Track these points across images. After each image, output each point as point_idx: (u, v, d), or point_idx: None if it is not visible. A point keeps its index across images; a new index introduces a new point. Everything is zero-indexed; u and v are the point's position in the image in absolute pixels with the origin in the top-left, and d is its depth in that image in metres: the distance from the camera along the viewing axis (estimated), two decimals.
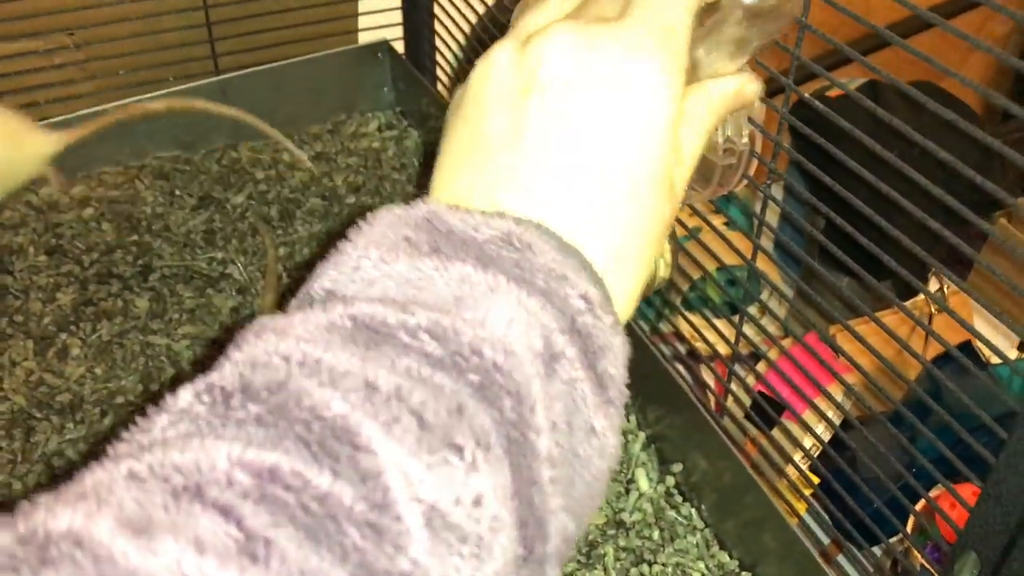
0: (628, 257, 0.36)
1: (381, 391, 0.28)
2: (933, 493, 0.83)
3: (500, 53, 0.38)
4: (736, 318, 1.03)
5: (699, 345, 1.13)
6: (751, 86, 0.45)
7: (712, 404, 0.92)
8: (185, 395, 0.29)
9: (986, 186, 0.51)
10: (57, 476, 0.77)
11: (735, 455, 0.72)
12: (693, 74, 0.45)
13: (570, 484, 0.32)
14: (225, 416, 0.28)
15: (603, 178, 0.35)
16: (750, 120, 0.66)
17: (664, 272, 0.70)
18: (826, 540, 0.83)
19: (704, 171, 0.68)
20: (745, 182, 0.69)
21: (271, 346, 0.30)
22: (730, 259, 0.86)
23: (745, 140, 0.66)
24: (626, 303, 0.37)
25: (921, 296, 1.34)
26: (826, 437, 0.85)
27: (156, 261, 0.98)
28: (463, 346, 0.30)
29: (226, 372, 0.29)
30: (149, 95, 1.08)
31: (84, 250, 0.99)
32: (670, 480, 0.79)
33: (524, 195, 0.35)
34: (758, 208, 1.05)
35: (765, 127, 0.65)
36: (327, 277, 0.33)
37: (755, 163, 0.68)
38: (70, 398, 0.84)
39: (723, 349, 1.09)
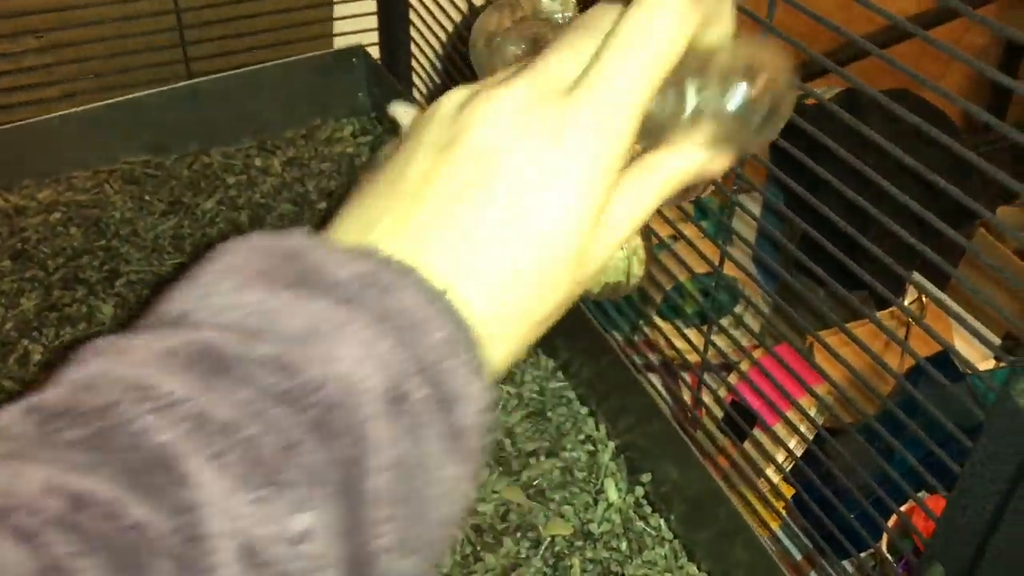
0: (509, 317, 0.35)
1: (213, 422, 0.27)
2: (908, 506, 0.83)
3: (447, 102, 0.37)
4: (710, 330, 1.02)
5: (672, 355, 1.13)
6: (716, 165, 0.41)
7: (685, 415, 0.91)
8: (10, 413, 0.28)
9: (962, 199, 0.51)
10: None
11: (704, 466, 0.71)
12: (658, 137, 0.41)
13: (411, 526, 0.31)
14: (47, 438, 0.27)
15: (494, 241, 0.35)
16: None
17: (638, 270, 0.69)
18: (798, 554, 0.82)
19: None
20: (712, 188, 0.68)
21: (106, 367, 0.29)
22: (703, 270, 0.85)
23: None
24: (503, 355, 0.36)
25: (909, 297, 1.34)
26: (799, 449, 0.84)
27: (123, 267, 0.96)
28: (305, 381, 0.29)
29: (56, 392, 0.28)
30: (119, 98, 1.07)
31: (50, 255, 0.97)
32: (639, 490, 0.78)
33: (407, 240, 0.35)
34: (730, 219, 1.04)
35: None
36: (179, 300, 0.32)
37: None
38: None
39: (695, 359, 1.09)
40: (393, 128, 0.95)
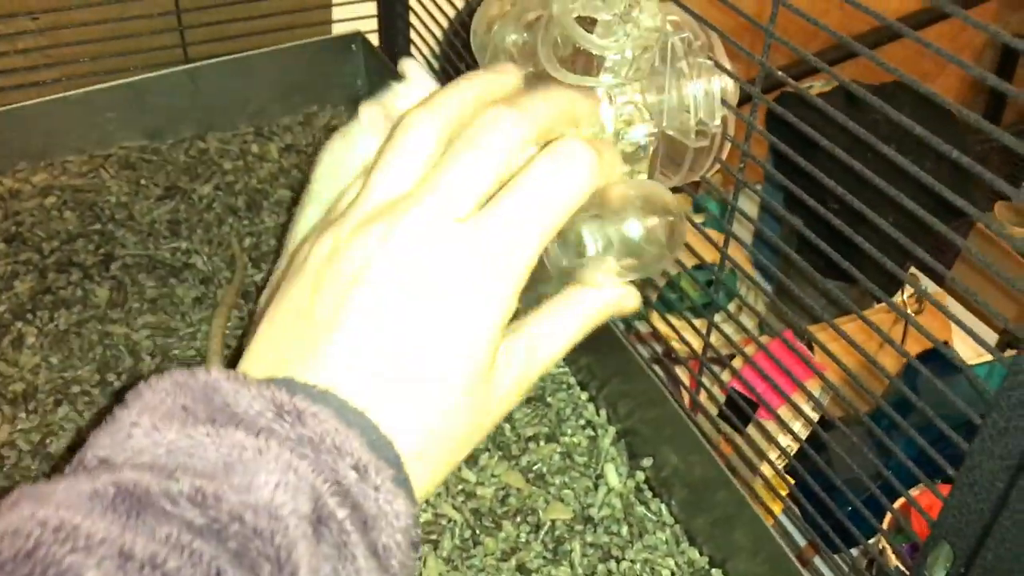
0: (428, 438, 0.37)
1: (135, 559, 0.28)
2: (901, 502, 0.82)
3: (345, 230, 0.38)
4: (701, 323, 1.02)
5: (676, 344, 1.12)
6: (629, 301, 0.43)
7: (687, 402, 0.90)
8: None
9: (954, 200, 0.50)
10: (5, 467, 0.74)
11: (707, 449, 0.71)
12: (569, 275, 0.43)
13: None
14: None
15: (404, 365, 0.36)
16: (723, 102, 0.64)
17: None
18: (802, 541, 0.81)
19: (675, 155, 0.66)
20: (717, 166, 0.68)
21: (28, 513, 0.29)
22: (709, 257, 0.84)
23: (718, 123, 0.64)
24: (428, 475, 0.37)
25: (906, 292, 1.33)
26: (802, 436, 0.84)
27: (118, 250, 0.96)
28: (223, 512, 0.30)
29: None
30: (116, 82, 1.06)
31: (44, 238, 0.96)
32: (640, 475, 0.77)
33: (320, 367, 0.36)
34: (736, 202, 1.03)
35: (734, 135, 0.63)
36: (99, 445, 0.33)
37: (728, 146, 0.67)
38: (23, 387, 0.81)
39: (698, 346, 1.08)
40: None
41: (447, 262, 0.37)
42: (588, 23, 0.61)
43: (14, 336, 0.86)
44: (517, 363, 0.39)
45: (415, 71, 0.69)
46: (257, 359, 0.38)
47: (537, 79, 0.61)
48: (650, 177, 0.64)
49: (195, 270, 0.94)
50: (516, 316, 0.40)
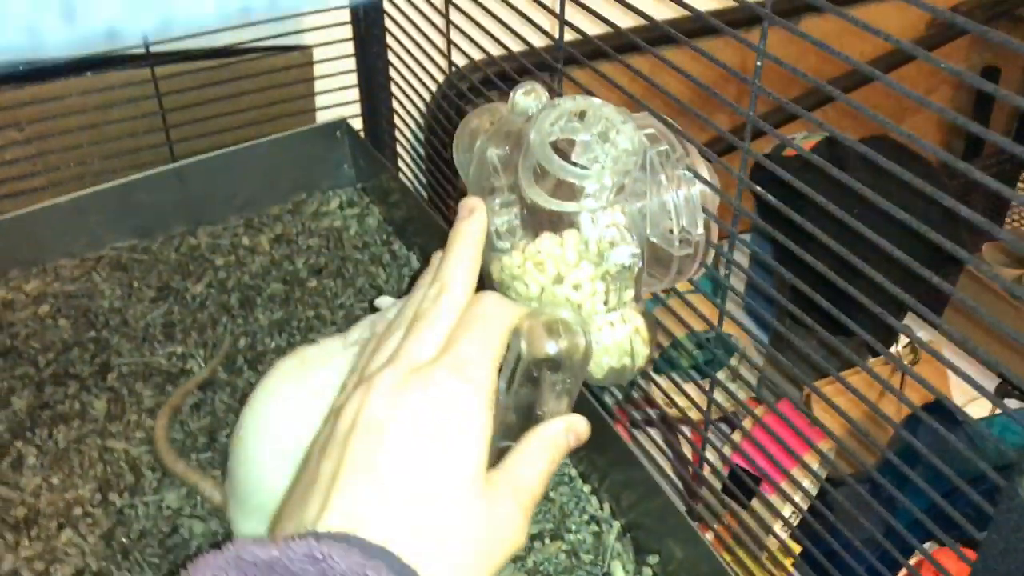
0: (443, 557, 0.42)
1: None
2: (917, 559, 0.82)
3: (336, 405, 0.48)
4: (706, 383, 1.02)
5: (672, 411, 1.12)
6: (578, 427, 0.52)
7: (687, 471, 0.90)
8: None
9: (943, 244, 0.51)
10: None
11: (706, 544, 0.71)
12: (525, 423, 0.52)
13: None
14: None
15: (407, 494, 0.43)
16: (704, 210, 0.65)
17: (643, 349, 0.68)
18: None
19: (662, 259, 0.67)
20: (704, 270, 0.68)
21: None
22: (698, 325, 0.84)
23: (700, 231, 0.65)
24: None
25: (901, 345, 1.34)
26: (805, 505, 0.84)
27: (114, 359, 0.96)
28: None
29: None
30: (104, 185, 1.07)
31: (40, 350, 0.97)
32: (647, 571, 0.77)
33: (337, 514, 0.42)
34: (721, 270, 1.04)
35: (722, 186, 0.64)
36: None
37: (712, 252, 0.67)
38: (25, 512, 0.81)
39: (694, 415, 1.08)
40: (379, 198, 0.92)
41: (417, 390, 0.46)
42: (568, 143, 0.62)
43: (14, 457, 0.86)
44: (505, 487, 0.46)
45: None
46: (284, 524, 0.45)
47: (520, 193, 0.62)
48: (637, 284, 0.65)
49: (191, 375, 0.94)
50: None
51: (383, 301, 0.78)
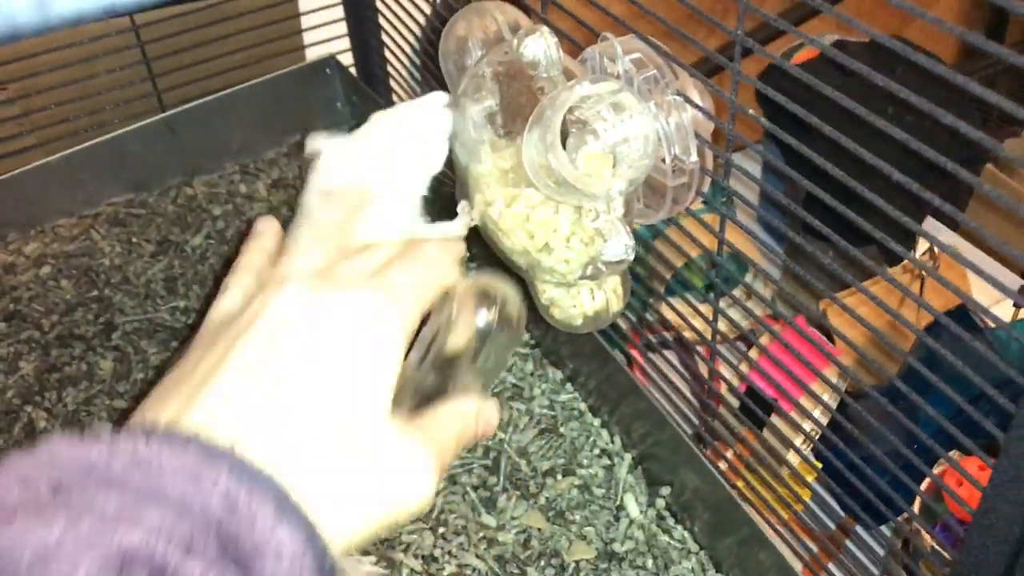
0: (323, 489, 0.36)
1: None
2: (940, 468, 0.81)
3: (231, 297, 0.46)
4: (721, 302, 1.00)
5: (686, 333, 1.11)
6: (489, 416, 0.48)
7: (704, 391, 0.89)
8: None
9: (970, 132, 0.48)
10: None
11: (714, 474, 0.70)
12: (437, 392, 0.48)
13: None
14: None
15: (300, 407, 0.37)
16: (697, 136, 0.62)
17: (616, 307, 0.67)
18: (832, 524, 0.81)
19: (656, 191, 0.65)
20: (701, 199, 0.66)
21: None
22: (710, 243, 0.82)
23: (694, 158, 0.63)
24: (343, 519, 0.37)
25: (919, 252, 1.31)
26: (825, 419, 0.82)
27: (118, 317, 0.95)
28: None
29: None
30: (94, 140, 1.05)
31: (44, 312, 0.96)
32: (660, 503, 0.77)
33: (199, 413, 0.36)
34: (731, 182, 1.01)
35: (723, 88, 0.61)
36: None
37: (708, 179, 0.65)
38: None
39: (708, 335, 1.07)
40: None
41: (329, 308, 0.41)
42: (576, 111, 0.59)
43: (25, 422, 0.86)
44: (417, 435, 0.41)
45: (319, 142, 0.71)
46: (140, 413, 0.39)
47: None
48: (627, 214, 0.63)
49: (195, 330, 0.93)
50: None
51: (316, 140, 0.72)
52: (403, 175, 0.65)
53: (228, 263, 0.99)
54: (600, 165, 0.59)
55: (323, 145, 0.66)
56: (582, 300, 0.64)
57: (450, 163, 0.68)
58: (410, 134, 0.65)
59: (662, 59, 0.61)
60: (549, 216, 0.60)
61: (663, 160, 0.62)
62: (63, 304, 0.97)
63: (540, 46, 0.60)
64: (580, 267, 0.61)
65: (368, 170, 0.63)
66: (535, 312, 0.90)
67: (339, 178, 0.62)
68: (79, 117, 1.06)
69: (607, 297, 0.65)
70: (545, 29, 0.60)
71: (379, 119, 0.67)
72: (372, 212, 0.61)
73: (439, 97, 0.66)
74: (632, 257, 0.60)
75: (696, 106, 0.61)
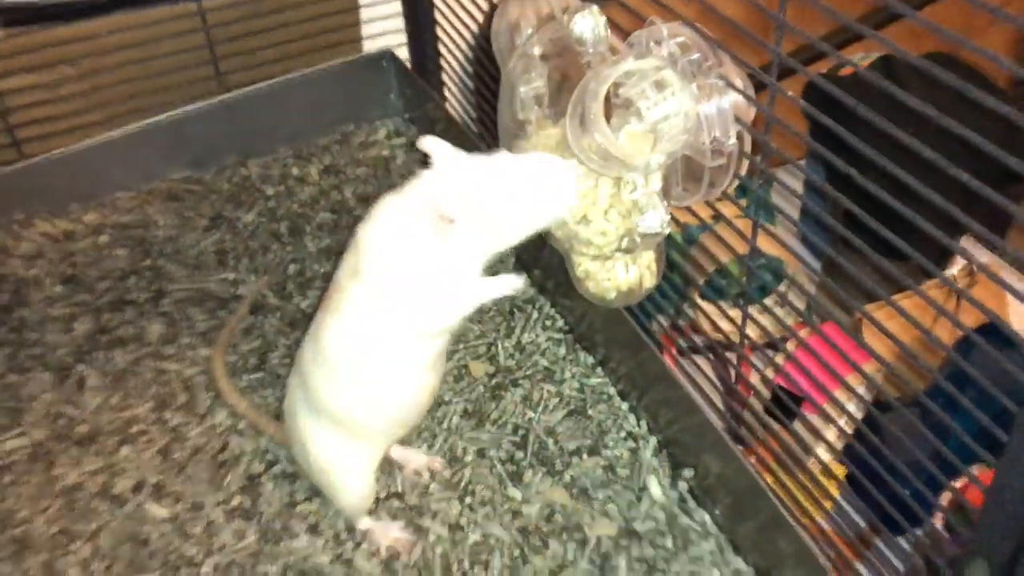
0: None
1: None
2: (962, 481, 0.81)
3: None
4: (752, 310, 1.01)
5: (718, 336, 1.12)
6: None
7: (733, 397, 0.91)
8: None
9: (1008, 161, 0.48)
10: (77, 509, 0.78)
11: (741, 460, 0.71)
12: None
13: None
14: None
15: None
16: (737, 119, 0.64)
17: (650, 283, 0.69)
18: (852, 533, 0.82)
19: (695, 171, 0.67)
20: (737, 182, 0.68)
21: None
22: (743, 249, 0.84)
23: (733, 140, 0.64)
24: None
25: (956, 269, 1.31)
26: (850, 426, 0.83)
27: (168, 285, 0.99)
28: None
29: None
30: (156, 118, 1.09)
31: (99, 277, 1.00)
32: (682, 485, 0.78)
33: None
34: (773, 196, 1.02)
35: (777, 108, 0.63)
36: None
37: (746, 162, 0.67)
38: (88, 429, 0.85)
39: (737, 339, 1.08)
40: (426, 128, 0.91)
41: None
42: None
43: (76, 378, 0.90)
44: None
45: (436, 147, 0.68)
46: None
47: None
48: (665, 192, 0.65)
49: (243, 300, 0.97)
50: None
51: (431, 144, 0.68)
52: (500, 232, 0.64)
53: (278, 239, 1.03)
54: (641, 144, 0.61)
55: (438, 153, 0.65)
56: (616, 273, 0.66)
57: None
58: (528, 191, 0.63)
59: (706, 44, 0.63)
60: (588, 188, 0.62)
61: (703, 142, 0.64)
62: (117, 271, 1.01)
63: (589, 23, 0.62)
64: (616, 239, 0.63)
65: (472, 216, 0.62)
66: (570, 297, 0.92)
67: (446, 200, 0.62)
68: (142, 96, 1.10)
69: (641, 272, 0.67)
70: (595, 7, 0.62)
71: (504, 162, 0.65)
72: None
73: (574, 168, 0.64)
74: (667, 231, 0.62)
75: (738, 90, 0.63)
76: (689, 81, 0.62)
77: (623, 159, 0.58)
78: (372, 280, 0.63)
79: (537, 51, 0.68)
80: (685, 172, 0.68)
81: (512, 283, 0.65)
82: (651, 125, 0.60)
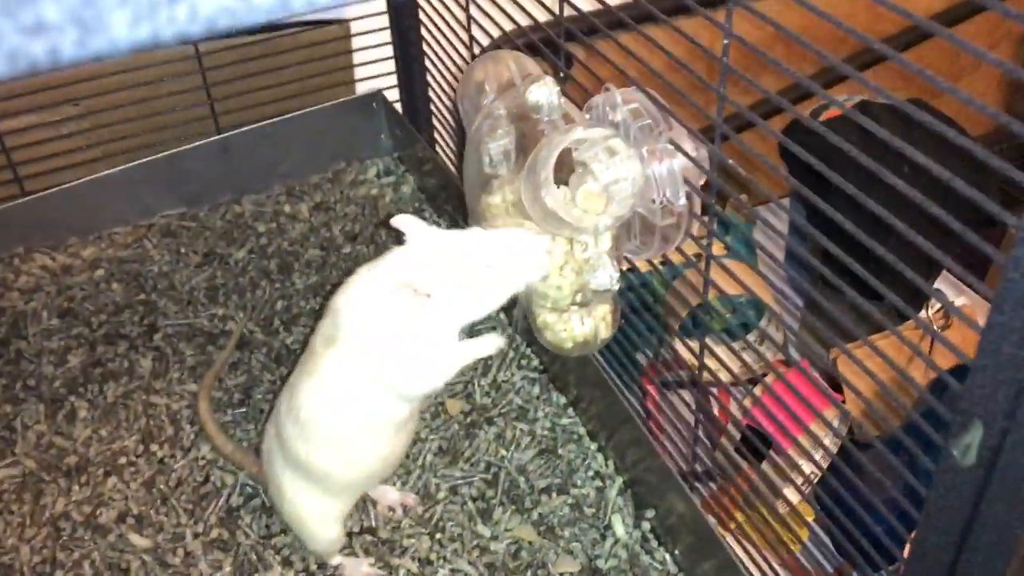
0: None
1: None
2: None
3: None
4: (737, 344, 1.04)
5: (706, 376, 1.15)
6: None
7: (717, 432, 0.93)
8: None
9: (984, 203, 0.49)
10: (62, 539, 0.81)
11: (693, 502, 0.74)
12: None
13: None
14: None
15: None
16: (686, 182, 0.68)
17: (605, 334, 0.72)
18: (829, 568, 0.84)
19: (649, 227, 0.70)
20: (688, 240, 0.71)
21: None
22: (731, 288, 0.87)
23: (683, 201, 0.68)
24: None
25: (933, 310, 1.34)
26: (826, 460, 0.86)
27: (161, 320, 1.02)
28: None
29: None
30: (154, 156, 1.13)
31: (94, 311, 1.04)
32: (645, 525, 0.81)
33: None
34: (757, 235, 1.05)
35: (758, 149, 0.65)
36: None
37: (696, 223, 0.70)
38: (77, 460, 0.88)
39: (724, 376, 1.11)
40: (414, 167, 0.93)
41: None
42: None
43: (68, 410, 0.93)
44: None
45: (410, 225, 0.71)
46: None
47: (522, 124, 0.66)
48: (617, 248, 0.68)
49: (231, 336, 1.00)
50: None
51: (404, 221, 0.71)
52: (474, 303, 0.67)
53: (267, 276, 1.07)
54: (596, 202, 0.65)
55: (412, 230, 0.68)
56: (572, 326, 0.70)
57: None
58: (501, 265, 0.66)
59: (657, 111, 0.67)
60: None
61: (652, 201, 0.67)
62: (112, 305, 1.05)
63: (543, 93, 0.66)
64: (571, 293, 0.66)
65: (447, 290, 0.65)
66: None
67: (420, 277, 0.65)
68: (141, 135, 1.14)
69: (596, 324, 0.70)
70: (549, 78, 0.66)
71: (477, 237, 0.68)
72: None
73: (544, 243, 0.66)
74: (617, 287, 0.65)
75: (686, 154, 0.67)
76: (640, 146, 0.66)
77: (573, 223, 0.61)
78: (348, 347, 0.67)
79: (503, 111, 0.71)
80: (642, 228, 0.71)
81: (494, 343, 0.69)
82: (604, 186, 0.64)
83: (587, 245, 0.63)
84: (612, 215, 0.61)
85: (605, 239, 0.64)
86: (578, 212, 0.61)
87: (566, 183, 0.66)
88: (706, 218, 0.69)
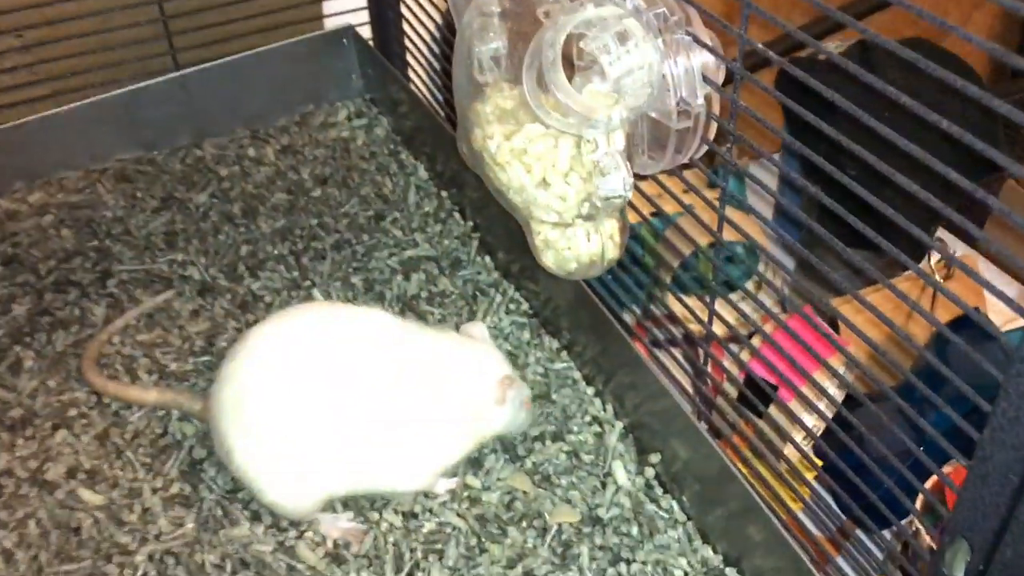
0: None
1: None
2: (946, 469, 0.78)
3: None
4: (732, 296, 0.97)
5: (693, 326, 1.08)
6: None
7: (708, 387, 0.87)
8: None
9: (987, 151, 0.45)
10: (4, 495, 0.73)
11: (712, 445, 0.67)
12: None
13: None
14: None
15: None
16: (705, 79, 0.61)
17: (612, 254, 0.65)
18: (825, 530, 0.78)
19: (661, 137, 0.63)
20: (705, 148, 0.64)
21: None
22: (728, 235, 0.80)
23: (701, 102, 0.61)
24: None
25: (933, 259, 1.29)
26: (828, 415, 0.80)
27: (115, 266, 0.94)
28: None
29: None
30: (107, 94, 1.05)
31: (41, 258, 0.95)
32: (649, 471, 0.74)
33: None
34: (763, 176, 0.98)
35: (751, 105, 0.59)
36: None
37: (715, 126, 0.63)
38: (22, 412, 0.80)
39: (719, 329, 1.05)
40: (388, 109, 0.89)
41: None
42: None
43: (12, 360, 0.85)
44: None
45: None
46: None
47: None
48: (631, 160, 0.61)
49: (192, 281, 0.92)
50: None
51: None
52: None
53: (230, 220, 0.99)
54: (604, 102, 0.58)
55: None
56: (578, 243, 0.63)
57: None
58: None
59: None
60: (548, 149, 0.59)
61: (669, 103, 0.60)
62: (62, 252, 0.96)
63: None
64: (577, 204, 0.59)
65: None
66: (535, 281, 0.88)
67: None
68: (93, 70, 1.06)
69: (603, 242, 0.63)
70: None
71: None
72: None
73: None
74: (630, 194, 0.58)
75: (707, 47, 0.60)
76: (655, 35, 0.59)
77: (584, 113, 0.54)
78: None
79: (496, 8, 0.64)
80: (650, 139, 0.64)
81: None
82: (614, 83, 0.57)
83: (597, 144, 0.56)
84: (626, 106, 0.54)
85: (618, 137, 0.57)
86: (589, 100, 0.54)
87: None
88: (724, 148, 0.62)
